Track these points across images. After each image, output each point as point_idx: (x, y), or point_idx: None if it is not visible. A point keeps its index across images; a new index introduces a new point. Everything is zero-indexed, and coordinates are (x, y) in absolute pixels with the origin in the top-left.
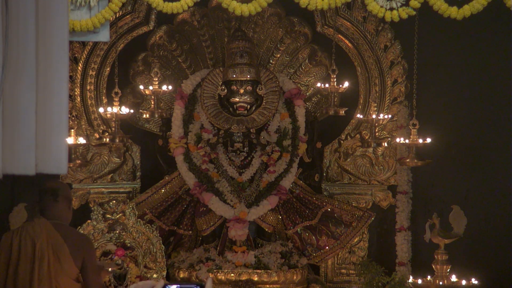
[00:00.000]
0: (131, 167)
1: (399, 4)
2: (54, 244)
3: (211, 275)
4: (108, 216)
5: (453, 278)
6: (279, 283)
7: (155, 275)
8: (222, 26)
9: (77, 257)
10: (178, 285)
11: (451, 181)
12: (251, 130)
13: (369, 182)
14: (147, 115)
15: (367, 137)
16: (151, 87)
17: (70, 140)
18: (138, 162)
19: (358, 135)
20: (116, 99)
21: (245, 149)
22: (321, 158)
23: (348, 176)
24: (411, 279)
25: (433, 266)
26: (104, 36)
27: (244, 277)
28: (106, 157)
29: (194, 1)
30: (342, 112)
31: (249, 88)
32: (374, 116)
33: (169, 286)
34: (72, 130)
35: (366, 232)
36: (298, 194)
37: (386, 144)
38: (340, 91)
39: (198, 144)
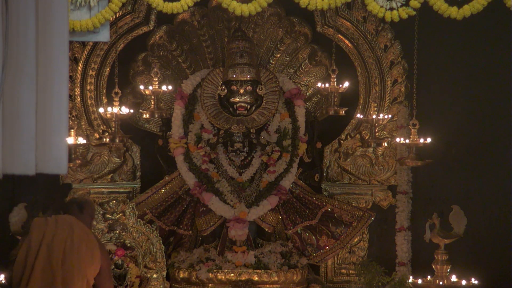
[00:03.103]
0: (131, 167)
1: (399, 4)
2: (89, 239)
3: (211, 275)
4: (108, 216)
5: (453, 278)
6: (279, 283)
7: (155, 275)
8: (222, 26)
9: (101, 259)
10: None
11: (451, 181)
12: (251, 130)
13: (369, 182)
14: (147, 115)
15: (367, 137)
16: (151, 87)
17: (70, 140)
18: (138, 162)
19: (358, 135)
20: (116, 99)
21: (245, 149)
22: (321, 158)
23: (348, 176)
24: (411, 279)
25: (433, 266)
26: (104, 36)
27: (244, 277)
28: (106, 157)
29: (194, 1)
30: (342, 112)
31: (249, 88)
32: (374, 116)
33: None
34: (72, 130)
35: (366, 232)
36: (298, 194)
37: (386, 144)
38: (340, 91)
39: (198, 144)
